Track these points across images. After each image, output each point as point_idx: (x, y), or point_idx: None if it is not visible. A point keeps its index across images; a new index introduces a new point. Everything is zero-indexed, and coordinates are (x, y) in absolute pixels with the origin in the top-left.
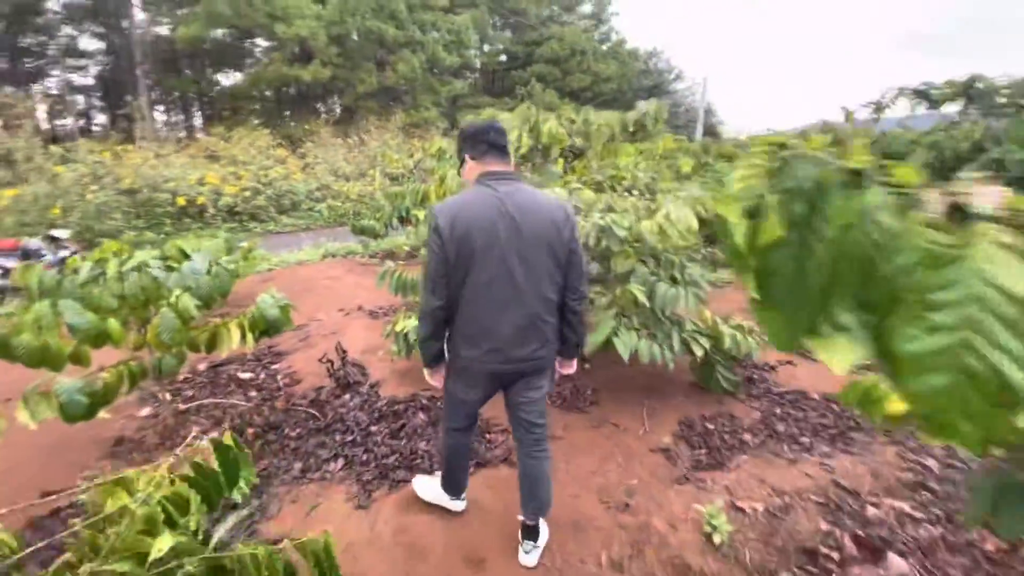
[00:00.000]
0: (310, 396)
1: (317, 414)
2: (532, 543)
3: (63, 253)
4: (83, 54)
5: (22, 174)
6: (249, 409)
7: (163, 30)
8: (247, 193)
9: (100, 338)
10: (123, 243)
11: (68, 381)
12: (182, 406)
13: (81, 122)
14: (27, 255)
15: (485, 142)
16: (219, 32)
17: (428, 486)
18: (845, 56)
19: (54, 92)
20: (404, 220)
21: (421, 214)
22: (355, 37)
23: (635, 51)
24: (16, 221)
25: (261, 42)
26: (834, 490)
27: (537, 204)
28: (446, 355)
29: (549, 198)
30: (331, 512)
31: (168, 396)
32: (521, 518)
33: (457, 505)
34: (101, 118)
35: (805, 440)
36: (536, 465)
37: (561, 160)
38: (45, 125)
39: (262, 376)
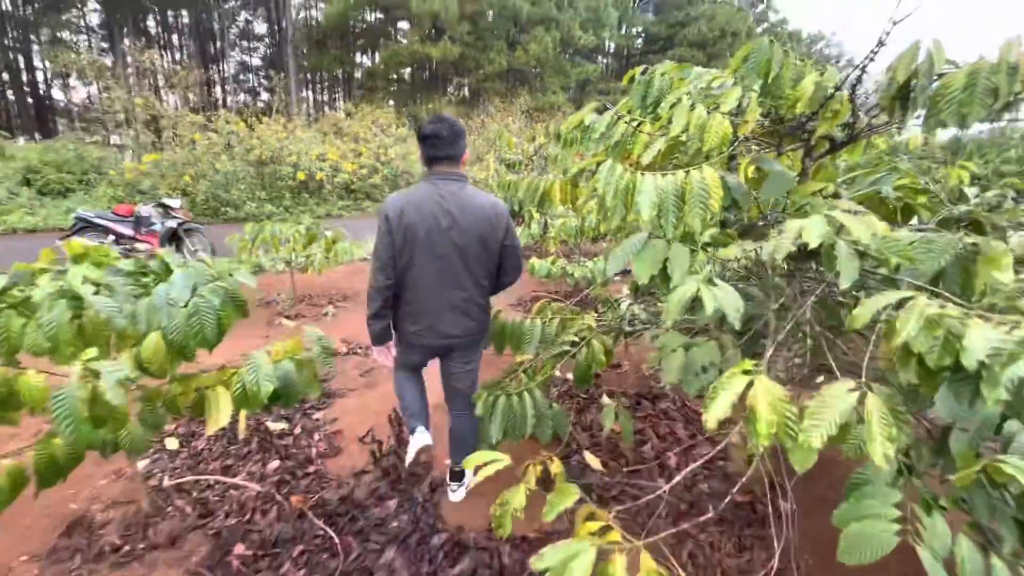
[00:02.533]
0: (343, 490)
1: (335, 538)
2: (458, 483)
3: (171, 223)
4: (256, 36)
5: (166, 141)
6: (253, 499)
7: (318, 14)
8: (364, 171)
9: (10, 402)
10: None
11: None
12: (168, 481)
13: (249, 99)
14: (139, 222)
15: (431, 147)
16: (366, 15)
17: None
18: None
19: (231, 71)
20: (516, 216)
21: (537, 214)
22: (489, 15)
23: (797, 33)
24: (152, 184)
25: (404, 26)
26: None
27: (474, 203)
28: (392, 334)
29: (487, 198)
30: None
31: (140, 467)
32: (448, 463)
33: (417, 439)
34: (266, 96)
35: None
36: (462, 423)
37: (800, 151)
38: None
39: (297, 430)
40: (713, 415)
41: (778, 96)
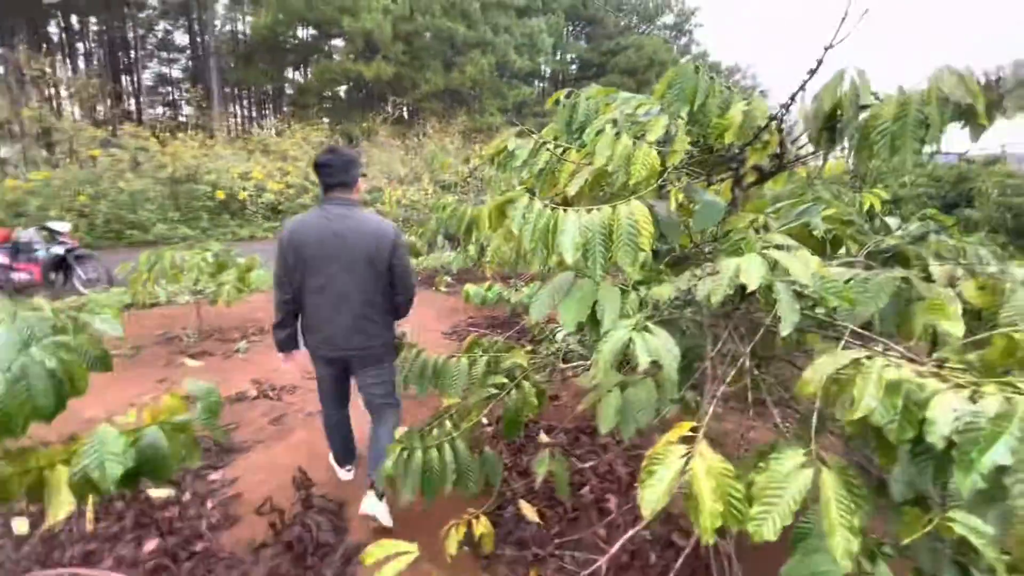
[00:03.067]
0: (236, 572)
1: None
2: (376, 495)
3: (58, 249)
4: (176, 47)
5: (60, 156)
6: None
7: (245, 27)
8: (292, 191)
9: None
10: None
11: None
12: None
13: (169, 112)
14: (17, 249)
15: (325, 175)
16: (297, 31)
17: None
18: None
19: (148, 83)
20: (452, 238)
21: (473, 237)
22: (426, 35)
23: (717, 65)
24: (41, 205)
25: (338, 43)
26: None
27: (361, 226)
28: (300, 344)
29: (374, 221)
30: None
31: None
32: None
33: (344, 475)
34: (188, 110)
35: None
36: (376, 435)
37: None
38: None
39: (187, 496)
40: (649, 502)
41: (705, 124)
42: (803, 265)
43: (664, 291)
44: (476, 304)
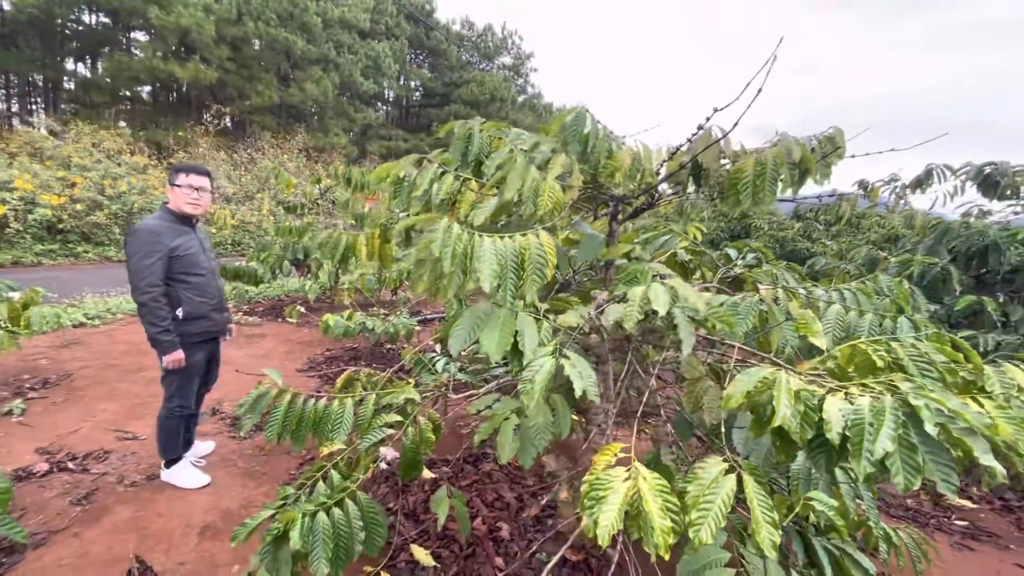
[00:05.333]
0: None
1: None
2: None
3: None
4: None
5: None
6: None
7: (4, 2)
8: (79, 206)
9: None
10: None
11: None
12: None
13: None
14: None
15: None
16: (82, 15)
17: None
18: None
19: None
20: (300, 265)
21: (328, 264)
22: (256, 44)
23: (550, 106)
24: None
25: (140, 37)
26: None
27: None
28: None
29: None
30: None
31: None
32: None
33: (201, 478)
34: None
35: None
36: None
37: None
38: None
39: None
40: (605, 527)
41: (595, 164)
42: (695, 294)
43: (571, 319)
44: (336, 336)
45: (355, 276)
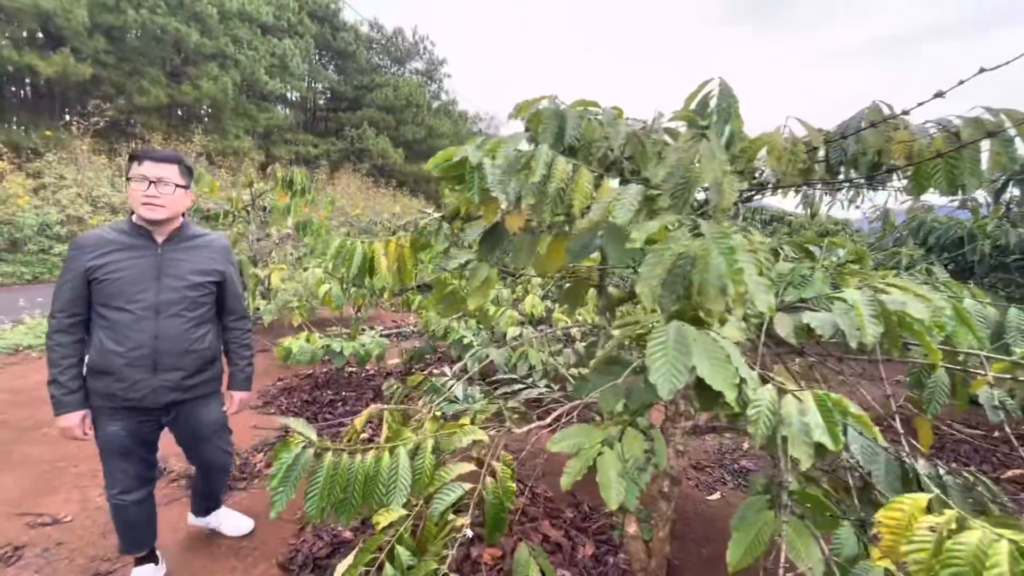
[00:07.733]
0: None
1: None
2: None
3: None
4: None
5: None
6: None
7: None
8: None
9: None
10: None
11: None
12: None
13: None
14: None
15: None
16: None
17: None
18: None
19: None
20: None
21: (288, 285)
22: (136, 33)
23: (465, 113)
24: None
25: None
26: None
27: None
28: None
29: None
30: None
31: None
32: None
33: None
34: None
35: None
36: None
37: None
38: None
39: None
40: None
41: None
42: (913, 299)
43: (735, 334)
44: (301, 362)
45: (322, 290)
